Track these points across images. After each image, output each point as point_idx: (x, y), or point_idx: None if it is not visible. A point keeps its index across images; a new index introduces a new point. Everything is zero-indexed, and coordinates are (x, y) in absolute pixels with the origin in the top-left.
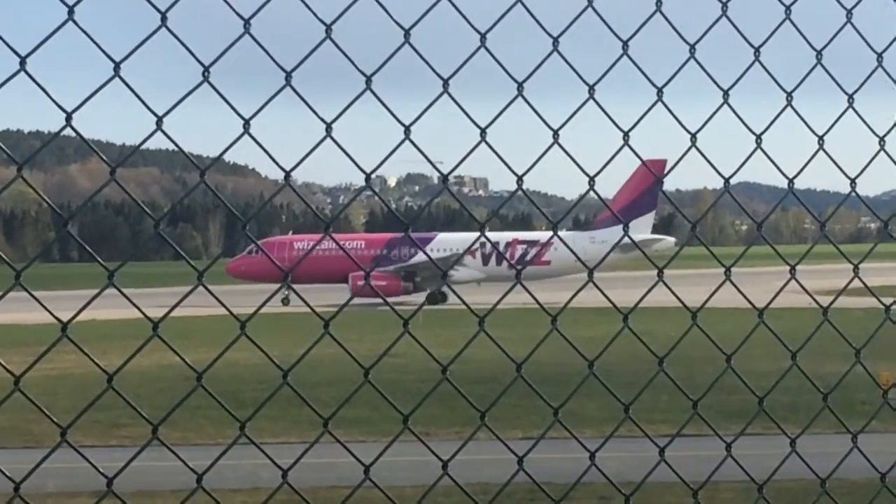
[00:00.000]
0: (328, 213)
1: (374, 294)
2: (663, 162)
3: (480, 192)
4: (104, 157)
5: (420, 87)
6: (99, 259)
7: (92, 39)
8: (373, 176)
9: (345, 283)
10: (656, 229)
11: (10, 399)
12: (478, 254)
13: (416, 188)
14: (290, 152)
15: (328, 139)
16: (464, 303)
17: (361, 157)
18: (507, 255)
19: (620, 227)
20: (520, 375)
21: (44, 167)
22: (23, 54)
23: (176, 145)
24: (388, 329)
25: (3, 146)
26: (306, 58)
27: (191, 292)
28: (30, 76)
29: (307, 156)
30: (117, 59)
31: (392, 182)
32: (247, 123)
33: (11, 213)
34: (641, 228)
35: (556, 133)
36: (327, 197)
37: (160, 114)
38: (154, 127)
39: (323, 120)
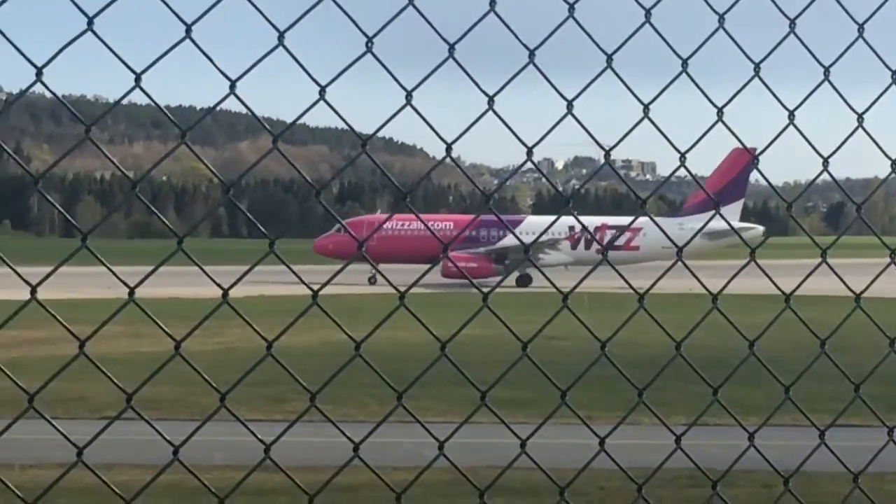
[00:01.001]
0: (494, 195)
1: (457, 276)
2: (754, 150)
3: (648, 176)
4: (269, 129)
5: (585, 64)
6: (263, 229)
7: (260, 10)
8: (540, 158)
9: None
10: (745, 217)
11: (180, 373)
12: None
13: (584, 171)
14: (455, 132)
15: (491, 114)
16: (550, 282)
17: (528, 139)
18: (598, 239)
19: (708, 214)
20: (679, 354)
21: (215, 143)
22: (188, 23)
23: (340, 117)
24: (535, 309)
25: (172, 118)
26: (469, 30)
27: (344, 267)
28: (197, 46)
29: (469, 128)
30: (281, 29)
31: (559, 165)
32: (409, 95)
33: (183, 188)
34: (730, 216)
35: (720, 111)
36: (494, 178)
37: (323, 86)
38: (316, 98)
39: (485, 93)
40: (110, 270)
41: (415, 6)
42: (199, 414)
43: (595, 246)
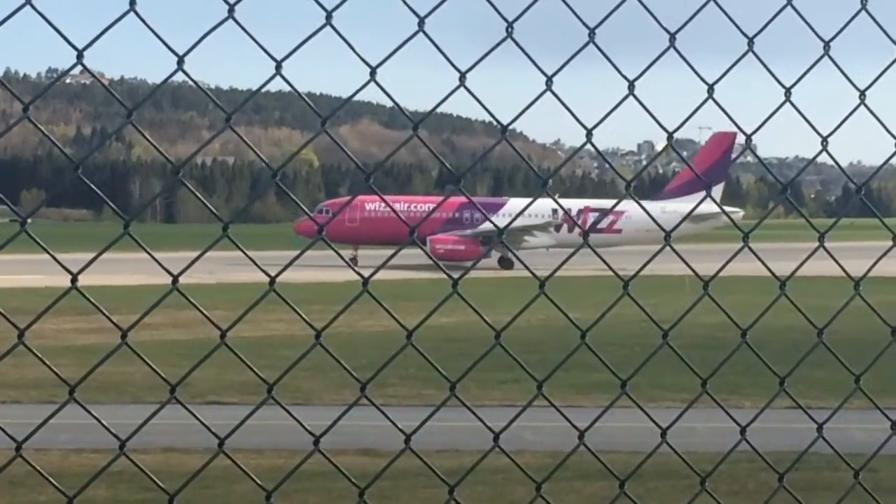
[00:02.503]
0: (594, 178)
1: (445, 257)
2: (734, 135)
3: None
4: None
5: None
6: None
7: None
8: (641, 140)
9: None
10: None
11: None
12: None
13: (685, 153)
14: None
15: (583, 99)
16: (526, 267)
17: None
18: (580, 223)
19: (689, 197)
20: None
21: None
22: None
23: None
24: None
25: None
26: (610, 14)
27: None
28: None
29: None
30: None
31: (659, 147)
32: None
33: (283, 173)
34: (708, 200)
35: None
36: (594, 161)
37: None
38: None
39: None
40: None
41: None
42: (301, 399)
43: (578, 229)
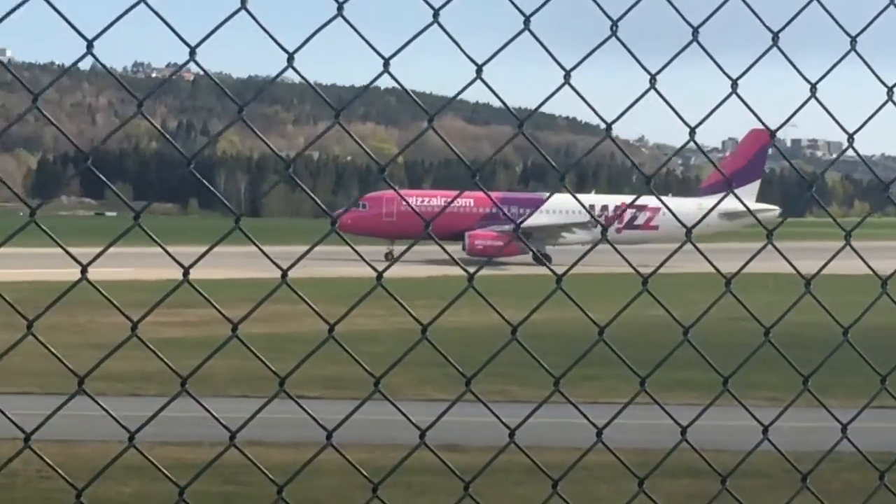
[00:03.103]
0: (678, 175)
1: (484, 253)
2: (769, 132)
3: (834, 155)
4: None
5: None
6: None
7: None
8: (725, 137)
9: (455, 241)
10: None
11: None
12: (584, 217)
13: (770, 151)
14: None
15: (683, 95)
16: (546, 265)
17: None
18: (608, 219)
19: (725, 193)
20: (846, 340)
21: (399, 124)
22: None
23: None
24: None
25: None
26: (713, 14)
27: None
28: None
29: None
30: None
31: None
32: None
33: (367, 167)
34: (746, 196)
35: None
36: (678, 158)
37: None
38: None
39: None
40: (263, 253)
41: None
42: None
43: (614, 225)
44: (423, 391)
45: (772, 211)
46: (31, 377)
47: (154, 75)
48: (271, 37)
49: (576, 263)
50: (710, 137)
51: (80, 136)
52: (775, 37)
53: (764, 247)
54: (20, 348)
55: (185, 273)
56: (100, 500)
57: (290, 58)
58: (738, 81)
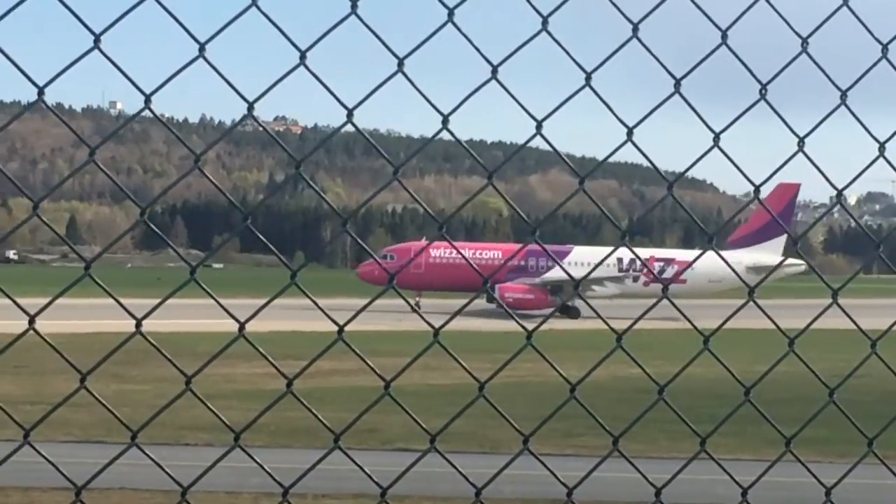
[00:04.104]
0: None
1: (514, 306)
2: (797, 186)
3: None
4: (571, 165)
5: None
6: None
7: (565, 49)
8: (832, 193)
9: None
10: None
11: (476, 405)
12: (614, 269)
13: (877, 206)
14: (758, 166)
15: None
16: (599, 316)
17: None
18: (643, 273)
19: (753, 248)
20: None
21: (505, 177)
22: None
23: (644, 153)
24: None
25: (474, 154)
26: (782, 71)
27: (655, 304)
28: (503, 86)
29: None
30: (588, 70)
31: (852, 200)
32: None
33: (473, 220)
34: (773, 250)
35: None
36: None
37: (631, 126)
38: (624, 139)
39: (796, 133)
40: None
41: (727, 44)
42: (489, 448)
43: (642, 279)
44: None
45: (798, 266)
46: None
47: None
48: (331, 92)
49: (641, 317)
50: (817, 193)
51: (189, 189)
52: (843, 95)
53: (829, 305)
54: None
55: (241, 328)
56: None
57: (350, 114)
58: (810, 136)
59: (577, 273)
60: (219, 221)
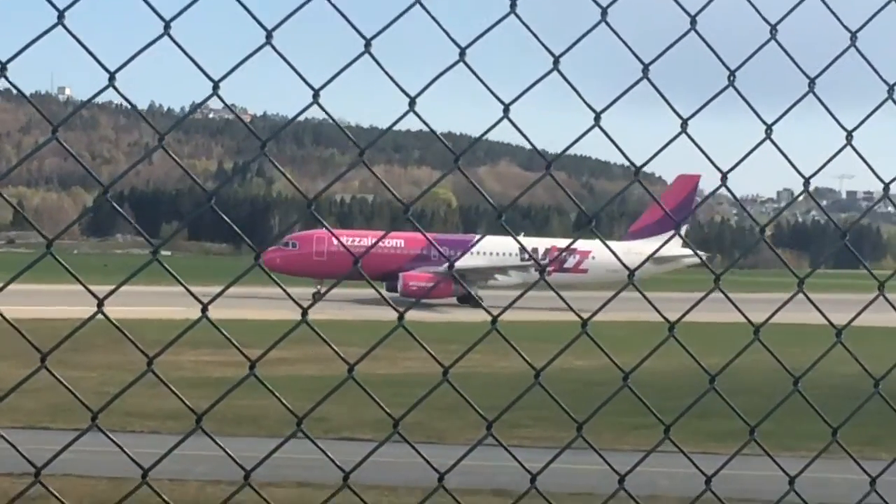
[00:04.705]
0: (732, 225)
1: (417, 294)
2: (697, 177)
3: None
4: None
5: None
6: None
7: (533, 32)
8: (780, 188)
9: (384, 282)
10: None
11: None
12: (517, 259)
13: (824, 202)
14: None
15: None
16: (481, 305)
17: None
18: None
19: (651, 239)
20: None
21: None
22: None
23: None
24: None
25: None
26: (750, 57)
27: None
28: (471, 69)
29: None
30: (556, 54)
31: (797, 194)
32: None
33: (422, 210)
34: (673, 242)
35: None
36: (733, 208)
37: (598, 111)
38: (591, 124)
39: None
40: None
41: (776, 40)
42: (436, 438)
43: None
44: (468, 435)
45: (694, 257)
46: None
47: (211, 115)
48: (297, 73)
49: (608, 301)
50: (765, 188)
51: (137, 176)
52: (811, 83)
53: (711, 291)
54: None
55: (204, 309)
56: None
57: (316, 94)
58: (773, 128)
59: (482, 262)
60: (167, 209)
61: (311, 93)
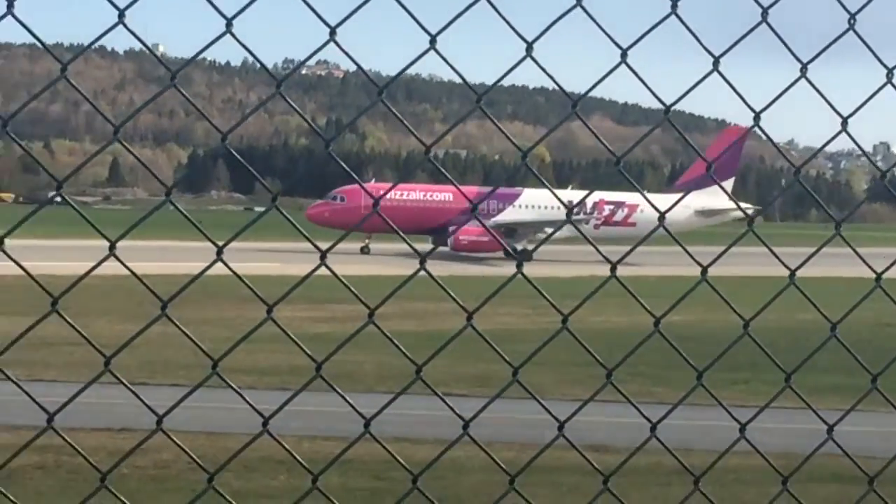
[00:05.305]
0: (828, 179)
1: (469, 248)
2: (744, 129)
3: None
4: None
5: None
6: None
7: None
8: (877, 142)
9: (429, 236)
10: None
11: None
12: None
13: (878, 158)
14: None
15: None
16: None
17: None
18: (595, 215)
19: (700, 191)
20: None
21: (547, 123)
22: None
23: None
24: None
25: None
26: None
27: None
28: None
29: (775, 101)
30: None
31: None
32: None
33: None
34: (719, 194)
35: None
36: (828, 162)
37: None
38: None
39: (800, 60)
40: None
41: None
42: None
43: (592, 222)
44: (570, 390)
45: (746, 209)
46: (183, 370)
47: (304, 72)
48: (317, 13)
49: (547, 238)
50: (862, 141)
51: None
52: None
53: (743, 234)
54: (172, 341)
55: (323, 257)
56: (249, 492)
57: (333, 32)
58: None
59: (529, 216)
60: (260, 165)
61: (428, 41)
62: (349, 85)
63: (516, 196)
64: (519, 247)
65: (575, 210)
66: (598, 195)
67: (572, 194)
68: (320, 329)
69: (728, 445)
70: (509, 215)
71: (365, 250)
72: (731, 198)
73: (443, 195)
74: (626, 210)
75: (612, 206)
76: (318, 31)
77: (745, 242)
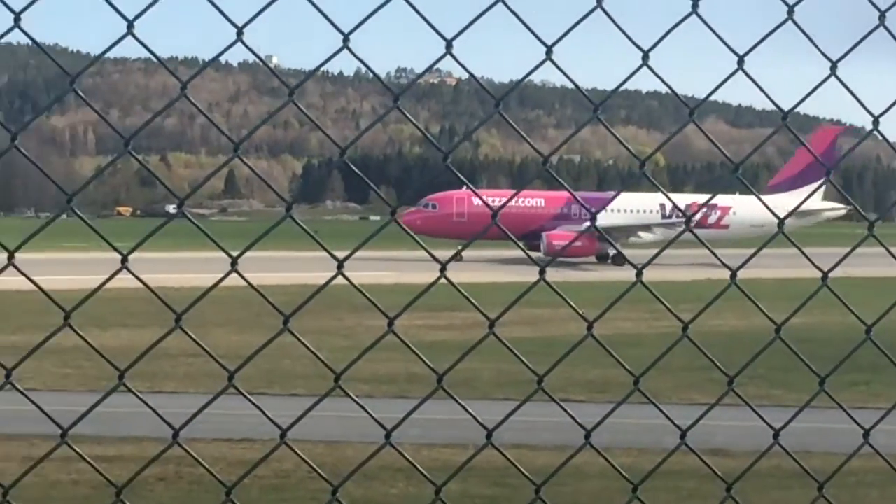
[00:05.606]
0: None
1: (564, 254)
2: (838, 130)
3: None
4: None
5: None
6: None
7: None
8: None
9: (526, 241)
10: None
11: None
12: (657, 216)
13: None
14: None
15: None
16: (623, 256)
17: None
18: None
19: (793, 192)
20: None
21: (660, 127)
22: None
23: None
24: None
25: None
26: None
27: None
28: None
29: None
30: None
31: None
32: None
33: (629, 170)
34: (815, 195)
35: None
36: None
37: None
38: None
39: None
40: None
41: None
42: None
43: (684, 226)
44: (688, 395)
45: (839, 209)
46: (301, 379)
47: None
48: (432, 25)
49: (662, 251)
50: None
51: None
52: None
53: (864, 238)
54: (290, 351)
55: (442, 269)
56: (368, 501)
57: (449, 45)
58: None
59: (621, 220)
60: (375, 174)
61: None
62: (462, 93)
63: (609, 200)
64: (612, 251)
65: (668, 214)
66: (688, 198)
67: (661, 198)
68: (438, 336)
69: (849, 449)
70: (602, 220)
71: (458, 258)
72: (852, 203)
73: (534, 201)
74: (718, 212)
75: (705, 209)
76: (431, 41)
77: (849, 242)
